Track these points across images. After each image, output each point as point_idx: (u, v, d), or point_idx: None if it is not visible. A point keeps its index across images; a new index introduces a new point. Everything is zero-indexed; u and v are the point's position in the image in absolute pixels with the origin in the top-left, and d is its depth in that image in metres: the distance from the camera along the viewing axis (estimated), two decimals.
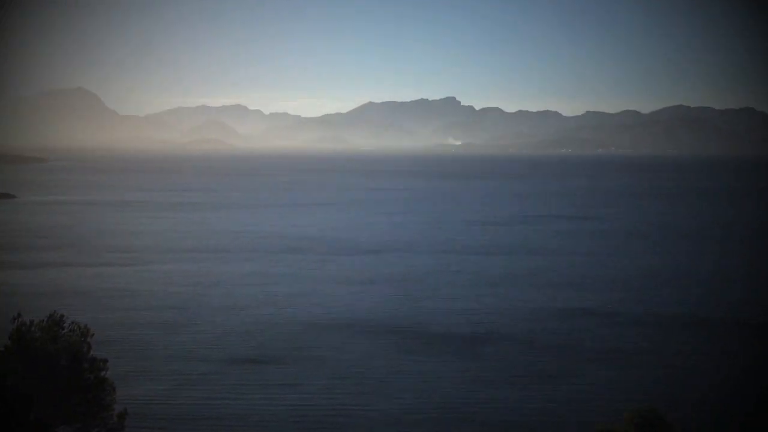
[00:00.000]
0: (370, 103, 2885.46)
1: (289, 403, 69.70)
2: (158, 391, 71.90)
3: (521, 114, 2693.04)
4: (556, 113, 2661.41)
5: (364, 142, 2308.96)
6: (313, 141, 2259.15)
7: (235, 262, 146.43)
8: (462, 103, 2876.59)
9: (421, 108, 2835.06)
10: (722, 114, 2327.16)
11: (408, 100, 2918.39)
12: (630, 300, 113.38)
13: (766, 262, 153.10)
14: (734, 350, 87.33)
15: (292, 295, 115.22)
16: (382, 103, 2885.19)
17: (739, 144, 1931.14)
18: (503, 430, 64.61)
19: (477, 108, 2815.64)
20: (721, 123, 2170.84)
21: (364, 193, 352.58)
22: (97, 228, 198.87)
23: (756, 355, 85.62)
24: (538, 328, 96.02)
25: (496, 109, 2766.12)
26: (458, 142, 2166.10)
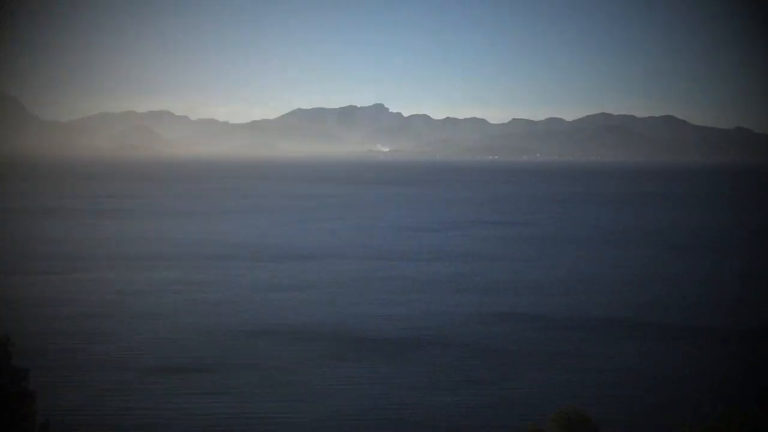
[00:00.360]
0: (299, 110, 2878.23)
1: (216, 412, 68.89)
2: (82, 400, 70.37)
3: (449, 121, 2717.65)
4: (482, 120, 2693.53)
5: (293, 148, 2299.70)
6: (241, 147, 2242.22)
7: (161, 269, 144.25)
8: (390, 110, 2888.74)
9: (350, 114, 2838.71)
10: (644, 121, 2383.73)
11: (336, 106, 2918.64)
12: (557, 304, 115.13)
13: (688, 264, 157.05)
14: (658, 350, 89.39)
15: (219, 302, 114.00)
16: (311, 110, 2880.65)
17: (660, 150, 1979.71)
18: None
19: (405, 115, 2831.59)
20: (643, 130, 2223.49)
21: (293, 200, 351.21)
22: (17, 236, 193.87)
23: (679, 355, 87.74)
24: (466, 333, 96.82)
25: (424, 116, 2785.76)
26: (386, 149, 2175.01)
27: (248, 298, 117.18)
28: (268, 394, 73.41)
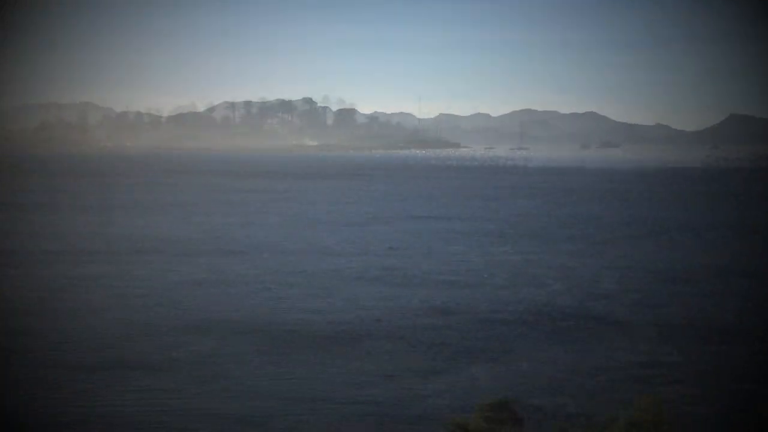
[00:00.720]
0: (226, 102, 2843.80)
1: (143, 408, 68.33)
2: (3, 400, 69.04)
3: (377, 115, 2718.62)
4: (410, 115, 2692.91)
5: (220, 141, 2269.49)
6: (168, 140, 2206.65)
7: (83, 264, 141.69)
8: (319, 104, 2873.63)
9: (279, 108, 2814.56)
10: (567, 117, 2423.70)
11: (265, 99, 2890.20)
12: (484, 298, 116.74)
13: (611, 260, 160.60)
14: (585, 344, 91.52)
15: (143, 297, 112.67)
16: (239, 102, 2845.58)
17: (583, 146, 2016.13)
18: (361, 428, 65.51)
19: (334, 109, 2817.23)
20: (567, 126, 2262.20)
21: (219, 194, 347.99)
22: None
23: (607, 347, 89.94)
24: (395, 327, 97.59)
25: (352, 110, 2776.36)
26: (314, 143, 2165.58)
27: (176, 293, 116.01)
28: (195, 389, 73.03)
